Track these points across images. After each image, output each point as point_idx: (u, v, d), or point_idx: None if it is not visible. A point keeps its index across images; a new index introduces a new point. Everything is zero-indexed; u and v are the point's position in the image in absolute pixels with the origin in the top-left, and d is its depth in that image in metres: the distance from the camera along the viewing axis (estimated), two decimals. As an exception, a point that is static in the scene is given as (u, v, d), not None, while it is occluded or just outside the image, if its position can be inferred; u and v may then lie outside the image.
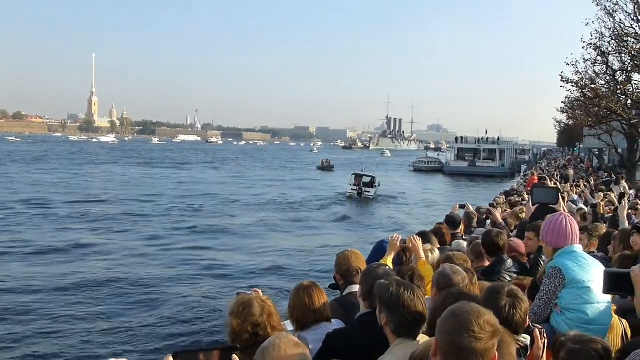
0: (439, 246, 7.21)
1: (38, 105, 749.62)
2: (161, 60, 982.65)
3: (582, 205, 12.74)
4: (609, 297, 4.10)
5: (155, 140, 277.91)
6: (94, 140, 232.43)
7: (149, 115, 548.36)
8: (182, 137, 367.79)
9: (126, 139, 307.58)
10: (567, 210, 10.12)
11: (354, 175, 51.55)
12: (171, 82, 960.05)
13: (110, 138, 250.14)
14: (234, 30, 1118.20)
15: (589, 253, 5.90)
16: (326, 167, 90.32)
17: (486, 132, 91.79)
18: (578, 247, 4.33)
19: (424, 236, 7.40)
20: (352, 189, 49.08)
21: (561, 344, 3.10)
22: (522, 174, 57.11)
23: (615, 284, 2.11)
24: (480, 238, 6.64)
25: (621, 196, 13.26)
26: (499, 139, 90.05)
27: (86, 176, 61.20)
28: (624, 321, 4.49)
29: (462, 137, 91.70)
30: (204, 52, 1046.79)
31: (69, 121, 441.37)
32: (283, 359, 2.55)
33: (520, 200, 16.54)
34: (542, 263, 5.49)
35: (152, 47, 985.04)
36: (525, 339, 3.23)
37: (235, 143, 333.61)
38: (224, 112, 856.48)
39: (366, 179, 50.71)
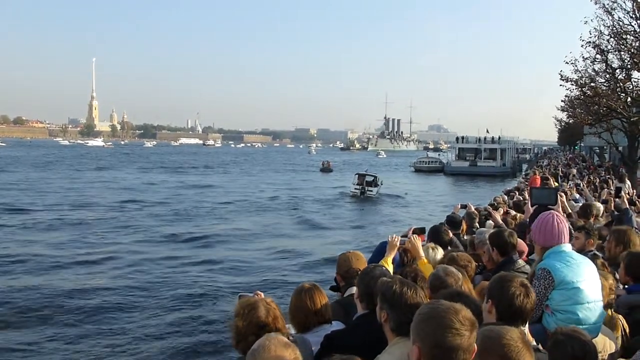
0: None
1: (39, 110, 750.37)
2: (162, 63, 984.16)
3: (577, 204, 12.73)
4: (599, 297, 4.10)
5: (149, 144, 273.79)
6: (89, 144, 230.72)
7: (150, 119, 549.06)
8: (183, 140, 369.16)
9: (121, 142, 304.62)
10: (569, 210, 10.16)
11: (357, 175, 53.15)
12: (172, 86, 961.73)
13: (98, 142, 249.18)
14: (234, 32, 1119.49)
15: (587, 252, 5.91)
16: (326, 169, 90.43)
17: (487, 131, 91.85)
18: (567, 247, 4.30)
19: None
20: (355, 188, 50.38)
21: (553, 333, 3.20)
22: (523, 173, 57.15)
23: None
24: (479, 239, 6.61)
25: (618, 190, 13.28)
26: (499, 138, 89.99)
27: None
28: (620, 317, 4.49)
29: (462, 137, 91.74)
30: (204, 55, 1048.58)
31: (70, 126, 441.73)
32: (273, 359, 2.53)
33: (522, 199, 16.48)
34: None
35: (152, 51, 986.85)
36: (524, 327, 3.27)
37: (233, 145, 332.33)
38: (225, 115, 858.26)
39: (369, 178, 51.98)
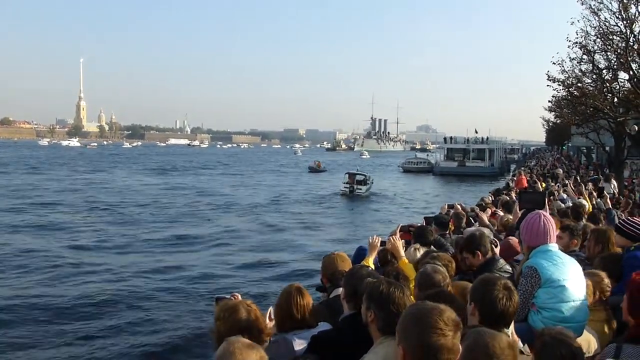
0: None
1: (26, 111, 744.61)
2: (151, 64, 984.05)
3: (570, 204, 12.80)
4: (584, 296, 4.15)
5: (127, 144, 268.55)
6: (70, 144, 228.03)
7: (138, 119, 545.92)
8: (173, 141, 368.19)
9: (104, 143, 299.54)
10: (555, 210, 10.21)
11: (347, 174, 53.86)
12: (161, 87, 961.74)
13: (74, 142, 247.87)
14: (225, 33, 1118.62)
15: (571, 252, 5.93)
16: (315, 169, 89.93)
17: (475, 131, 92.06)
18: (553, 246, 4.36)
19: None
20: (344, 187, 51.08)
21: (540, 335, 3.18)
22: (511, 173, 57.46)
23: None
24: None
25: (601, 191, 13.41)
26: (487, 138, 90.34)
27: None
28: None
29: (451, 138, 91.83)
30: (194, 56, 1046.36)
31: (58, 126, 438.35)
32: None
33: (510, 199, 16.50)
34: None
35: (141, 52, 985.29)
36: (508, 330, 3.27)
37: (219, 146, 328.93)
38: (214, 116, 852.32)
39: (359, 177, 52.89)
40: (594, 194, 14.12)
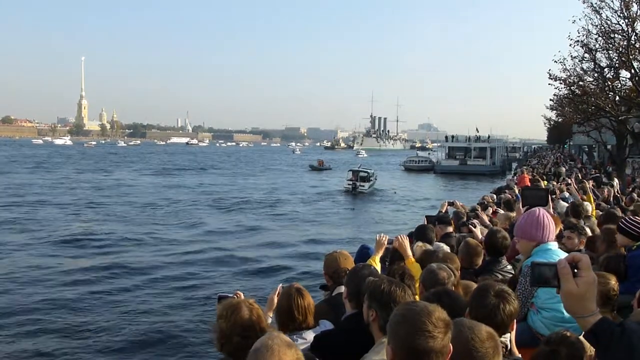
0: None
1: (28, 109, 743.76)
2: (152, 63, 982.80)
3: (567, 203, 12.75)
4: None
5: (123, 143, 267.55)
6: (65, 143, 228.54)
7: (140, 118, 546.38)
8: (174, 140, 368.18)
9: (102, 142, 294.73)
10: (558, 209, 10.19)
11: (351, 172, 54.34)
12: (162, 85, 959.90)
13: (66, 140, 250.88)
14: (225, 31, 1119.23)
15: (577, 251, 5.90)
16: (317, 168, 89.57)
17: (477, 130, 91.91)
18: (553, 244, 4.30)
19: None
20: (348, 184, 51.44)
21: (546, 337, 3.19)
22: (512, 172, 57.42)
23: (541, 276, 2.05)
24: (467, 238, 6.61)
25: (609, 191, 13.37)
26: (489, 137, 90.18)
27: None
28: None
29: (452, 136, 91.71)
30: (195, 55, 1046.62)
31: (59, 125, 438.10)
32: None
33: (512, 197, 16.45)
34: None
35: (142, 50, 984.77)
36: (505, 338, 3.23)
37: (218, 144, 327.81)
38: (216, 114, 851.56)
39: (363, 174, 53.36)
40: (597, 192, 14.06)
